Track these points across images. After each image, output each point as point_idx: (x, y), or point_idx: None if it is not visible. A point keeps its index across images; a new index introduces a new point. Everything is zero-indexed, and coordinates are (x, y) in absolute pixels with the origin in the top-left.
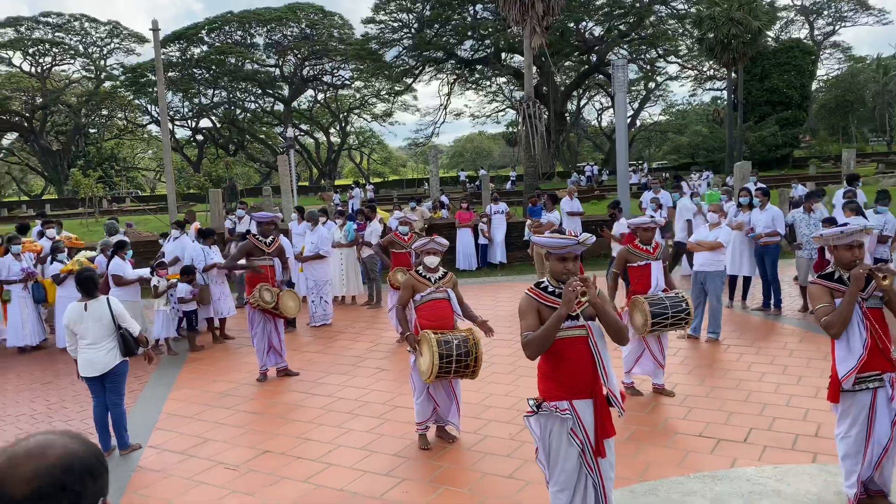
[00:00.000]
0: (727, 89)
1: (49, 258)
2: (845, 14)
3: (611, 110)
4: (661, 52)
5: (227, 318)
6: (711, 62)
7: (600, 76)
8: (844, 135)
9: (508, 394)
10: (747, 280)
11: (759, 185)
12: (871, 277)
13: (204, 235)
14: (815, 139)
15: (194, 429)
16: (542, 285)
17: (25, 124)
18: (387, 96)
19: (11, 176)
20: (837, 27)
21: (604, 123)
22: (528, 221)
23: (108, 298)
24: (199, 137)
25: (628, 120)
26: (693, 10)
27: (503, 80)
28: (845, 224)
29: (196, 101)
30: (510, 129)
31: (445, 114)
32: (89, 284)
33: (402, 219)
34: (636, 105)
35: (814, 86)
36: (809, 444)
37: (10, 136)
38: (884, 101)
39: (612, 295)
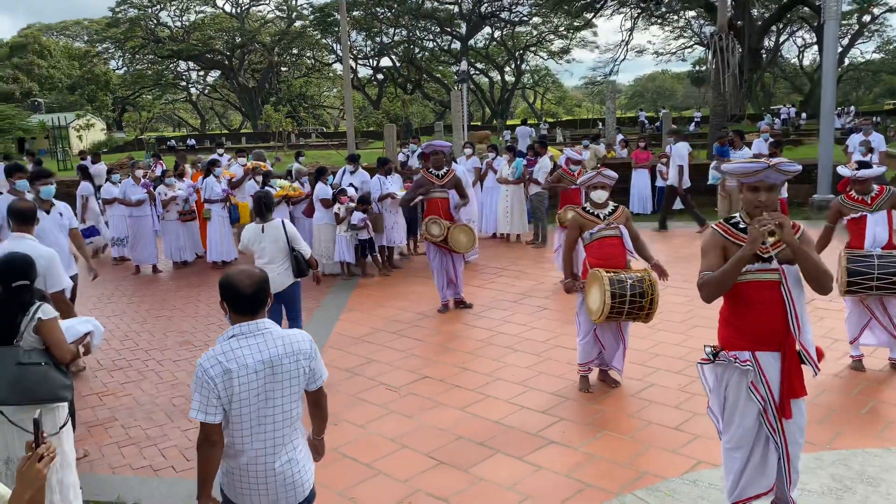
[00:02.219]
0: None
1: (243, 182)
2: None
3: (814, 47)
4: None
5: (397, 247)
6: None
7: (805, 8)
8: None
9: (680, 343)
10: None
11: None
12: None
13: (380, 164)
14: None
15: (360, 350)
16: (733, 220)
17: (226, 62)
18: (565, 32)
19: (214, 111)
20: None
21: (805, 62)
22: (714, 162)
23: (283, 221)
24: (380, 76)
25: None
26: None
27: (692, 13)
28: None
29: (378, 39)
30: (697, 68)
31: (627, 50)
32: (263, 207)
33: (573, 157)
34: (846, 41)
35: None
36: None
37: (214, 74)
38: None
39: (821, 249)
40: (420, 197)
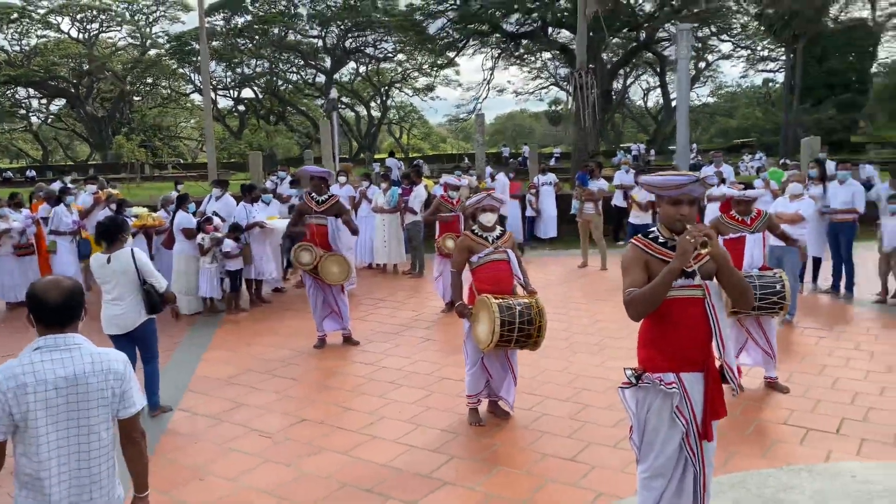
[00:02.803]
0: (785, 68)
1: (94, 211)
2: None
3: (658, 90)
4: (714, 29)
5: (266, 281)
6: (766, 42)
7: (649, 54)
8: None
9: (565, 370)
10: (817, 261)
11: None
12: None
13: (246, 191)
14: (873, 124)
15: (227, 393)
16: (652, 235)
17: (72, 90)
18: (429, 70)
19: (58, 142)
20: None
21: (650, 104)
22: (576, 191)
23: (132, 249)
24: (241, 108)
25: (673, 102)
26: None
27: (548, 55)
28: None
29: (239, 70)
30: (553, 108)
31: (488, 89)
32: (110, 234)
33: (451, 182)
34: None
35: (873, 69)
36: None
37: (58, 103)
38: None
39: None
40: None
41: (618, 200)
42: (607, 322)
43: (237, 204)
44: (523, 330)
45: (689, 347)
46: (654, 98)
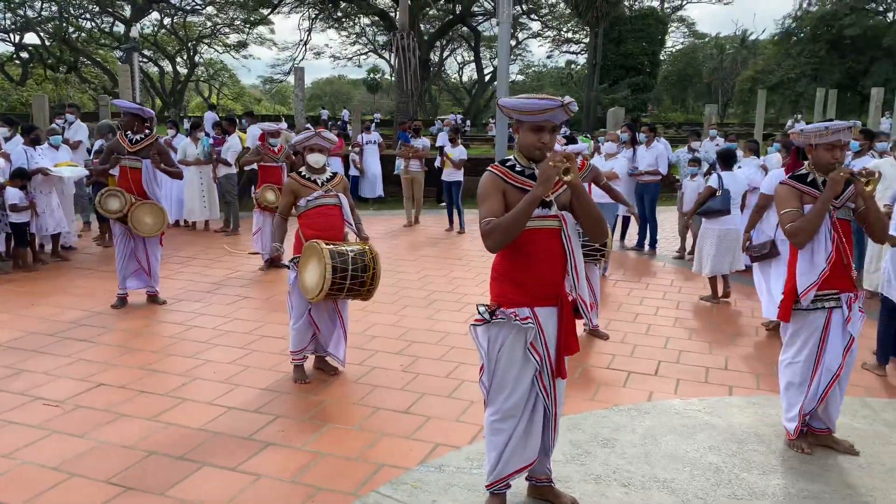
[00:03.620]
0: (589, 49)
1: None
2: None
3: (472, 65)
4: (524, 8)
5: (62, 234)
6: (571, 23)
7: (464, 28)
8: (682, 106)
9: (395, 324)
10: (626, 219)
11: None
12: (850, 183)
13: (26, 132)
14: (659, 107)
15: (5, 359)
16: (509, 163)
17: None
18: (241, 26)
19: None
20: (684, 2)
21: (464, 78)
22: (400, 148)
23: None
24: (24, 55)
25: (486, 77)
26: None
27: (367, 21)
28: (830, 120)
29: (21, 12)
30: (371, 76)
31: (305, 51)
32: None
33: (269, 129)
34: (496, 62)
35: (661, 56)
36: (722, 377)
37: None
38: (719, 77)
39: None
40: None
41: (438, 163)
42: (435, 277)
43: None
44: (357, 277)
45: (544, 281)
46: (468, 72)
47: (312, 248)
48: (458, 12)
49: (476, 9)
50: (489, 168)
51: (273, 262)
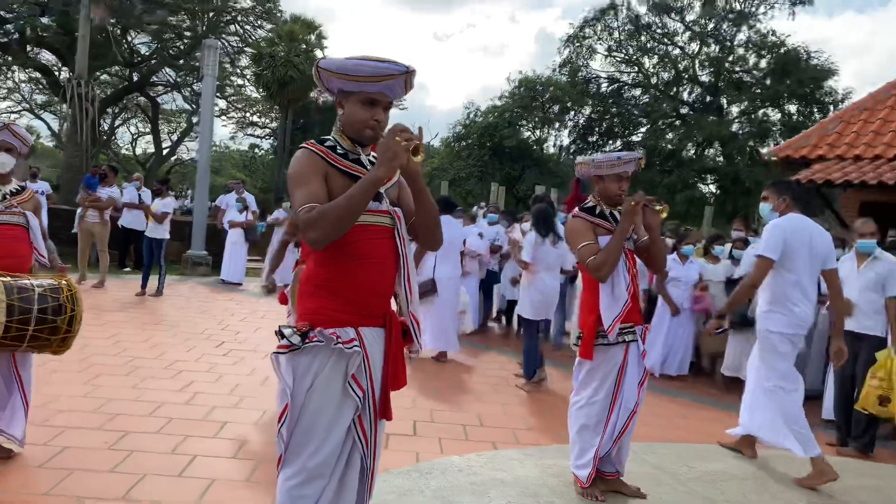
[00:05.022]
0: (279, 130)
1: None
2: None
3: (148, 136)
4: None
5: None
6: (258, 107)
7: (141, 98)
8: None
9: (88, 394)
10: None
11: None
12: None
13: None
14: None
15: None
16: (329, 143)
17: None
18: None
19: None
20: None
21: (138, 151)
22: (81, 195)
23: None
24: None
25: (164, 150)
26: (252, 48)
27: (24, 77)
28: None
29: None
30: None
31: None
32: None
33: None
34: (175, 137)
35: None
36: (482, 433)
37: None
38: None
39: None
40: None
41: (125, 221)
42: (132, 343)
43: None
44: (46, 321)
45: (373, 291)
46: (144, 144)
47: None
48: (135, 80)
49: (156, 79)
50: (304, 145)
51: None
